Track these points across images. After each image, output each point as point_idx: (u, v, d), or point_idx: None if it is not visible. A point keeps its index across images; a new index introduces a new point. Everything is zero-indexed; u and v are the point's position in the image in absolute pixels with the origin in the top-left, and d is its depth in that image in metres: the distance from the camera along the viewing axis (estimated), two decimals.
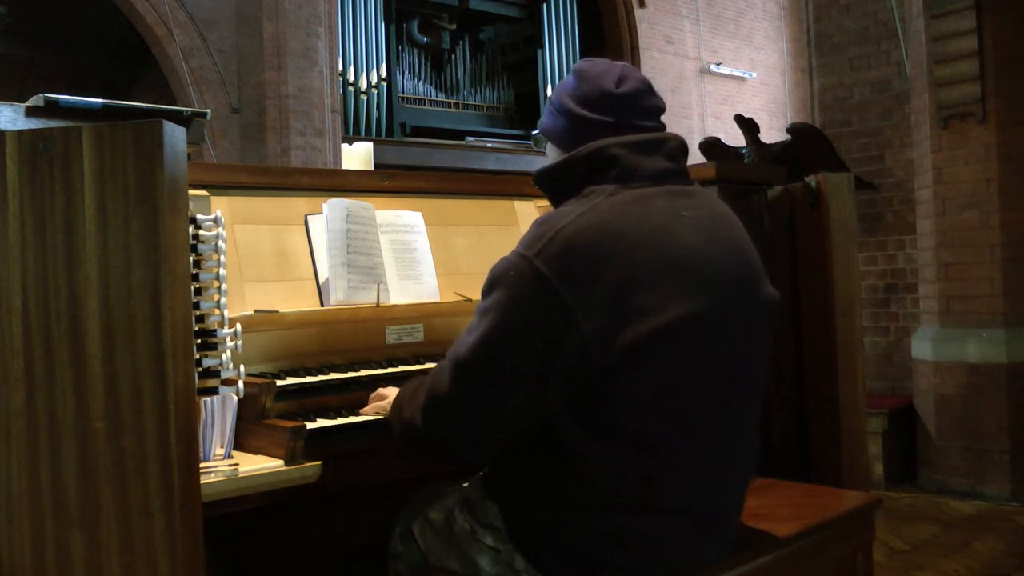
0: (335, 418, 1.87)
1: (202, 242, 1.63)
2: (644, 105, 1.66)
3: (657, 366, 1.47)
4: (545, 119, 1.75)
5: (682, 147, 1.66)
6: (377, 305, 2.16)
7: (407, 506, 1.86)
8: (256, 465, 1.66)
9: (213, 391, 1.62)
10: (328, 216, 2.16)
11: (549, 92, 11.65)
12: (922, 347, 5.38)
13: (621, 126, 1.63)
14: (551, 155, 1.72)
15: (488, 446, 1.58)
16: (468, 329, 1.55)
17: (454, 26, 11.60)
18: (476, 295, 2.34)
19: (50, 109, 1.60)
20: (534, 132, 2.10)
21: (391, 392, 1.86)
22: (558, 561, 1.55)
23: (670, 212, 1.55)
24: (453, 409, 1.54)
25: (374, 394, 1.94)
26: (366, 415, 1.90)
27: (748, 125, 5.59)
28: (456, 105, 11.26)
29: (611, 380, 1.46)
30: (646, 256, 1.48)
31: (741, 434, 1.63)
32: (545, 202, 2.67)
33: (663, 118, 1.70)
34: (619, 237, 1.48)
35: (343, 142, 4.30)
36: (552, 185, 1.68)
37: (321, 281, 2.17)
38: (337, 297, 2.12)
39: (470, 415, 1.53)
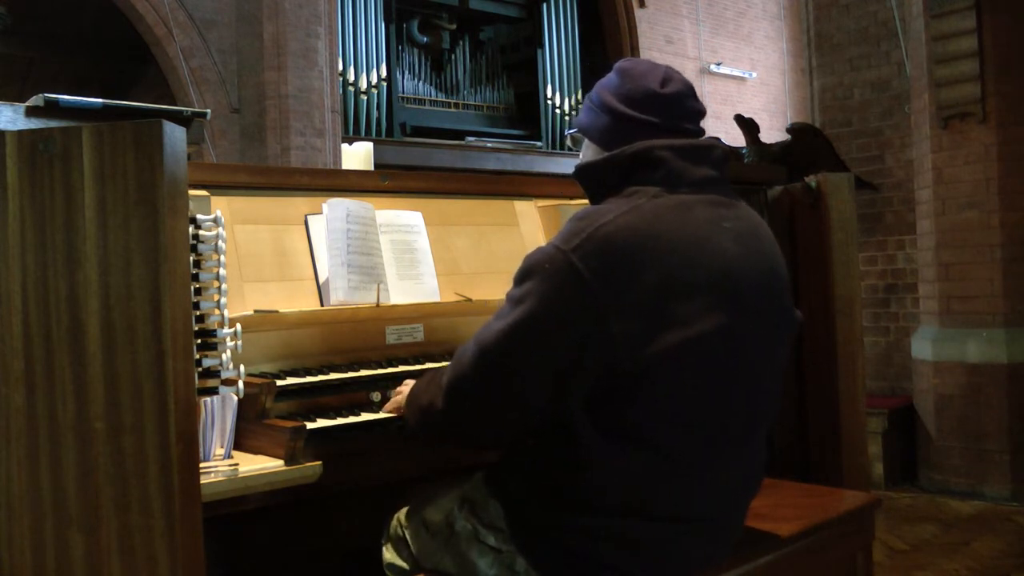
0: (335, 418, 1.87)
1: (202, 242, 1.63)
2: (688, 108, 1.63)
3: (682, 375, 1.46)
4: (583, 117, 1.70)
5: (726, 156, 1.64)
6: (377, 305, 2.16)
7: (396, 511, 1.86)
8: (256, 465, 1.66)
9: (213, 391, 1.62)
10: (328, 216, 2.16)
11: (549, 92, 11.65)
12: (922, 347, 5.38)
13: (665, 127, 1.60)
14: (588, 154, 1.68)
15: (507, 433, 1.58)
16: (497, 315, 1.53)
17: (454, 26, 11.59)
18: (476, 295, 2.35)
19: (50, 109, 1.60)
20: (569, 131, 2.05)
21: (407, 387, 1.85)
22: (560, 563, 1.55)
23: (712, 222, 1.53)
24: (474, 392, 1.54)
25: (395, 392, 1.93)
26: (385, 412, 1.90)
27: (748, 125, 5.58)
28: (456, 105, 11.24)
29: (634, 384, 1.45)
30: (684, 264, 1.46)
31: (752, 444, 1.63)
32: (547, 202, 2.68)
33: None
34: (659, 241, 1.46)
35: (343, 142, 4.30)
36: (593, 181, 1.64)
37: (321, 281, 2.17)
38: (337, 297, 2.12)
39: (490, 400, 1.53)
